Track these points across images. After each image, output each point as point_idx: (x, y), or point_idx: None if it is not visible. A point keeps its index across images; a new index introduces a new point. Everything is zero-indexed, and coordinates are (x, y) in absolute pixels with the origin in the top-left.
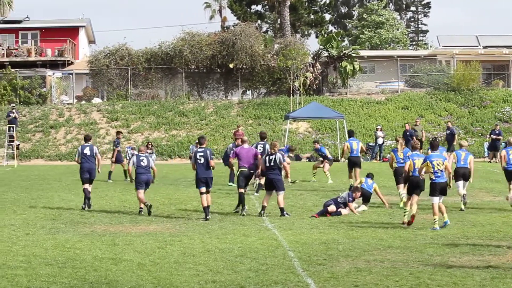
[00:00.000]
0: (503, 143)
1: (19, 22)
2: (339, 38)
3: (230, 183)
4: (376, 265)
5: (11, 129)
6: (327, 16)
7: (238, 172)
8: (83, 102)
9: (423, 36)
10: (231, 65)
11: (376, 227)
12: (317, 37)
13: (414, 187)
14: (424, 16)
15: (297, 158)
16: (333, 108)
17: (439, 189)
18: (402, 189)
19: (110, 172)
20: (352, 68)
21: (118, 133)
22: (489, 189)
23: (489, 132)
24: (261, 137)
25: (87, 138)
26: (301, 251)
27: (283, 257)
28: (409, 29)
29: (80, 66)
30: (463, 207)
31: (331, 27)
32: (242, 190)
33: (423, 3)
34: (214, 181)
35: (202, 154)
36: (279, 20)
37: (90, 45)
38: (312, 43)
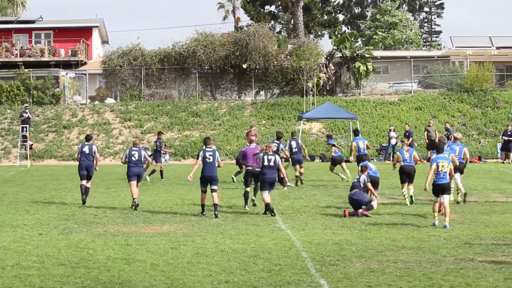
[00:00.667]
0: None
1: (32, 22)
2: (352, 39)
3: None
4: (389, 266)
5: (24, 129)
6: (341, 17)
7: (245, 171)
8: (96, 102)
9: (436, 37)
10: (244, 66)
11: (389, 228)
12: (330, 37)
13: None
14: (438, 16)
15: (311, 158)
16: (346, 109)
17: (441, 189)
18: (406, 188)
19: (153, 171)
20: (365, 69)
21: (159, 133)
22: (502, 190)
23: (501, 133)
24: (278, 136)
25: (88, 138)
26: (314, 252)
27: (296, 257)
28: (422, 30)
29: (94, 66)
30: (459, 199)
31: (344, 28)
32: (248, 189)
33: (436, 3)
34: (228, 181)
35: (211, 153)
36: (292, 20)
37: (104, 45)
38: (326, 44)
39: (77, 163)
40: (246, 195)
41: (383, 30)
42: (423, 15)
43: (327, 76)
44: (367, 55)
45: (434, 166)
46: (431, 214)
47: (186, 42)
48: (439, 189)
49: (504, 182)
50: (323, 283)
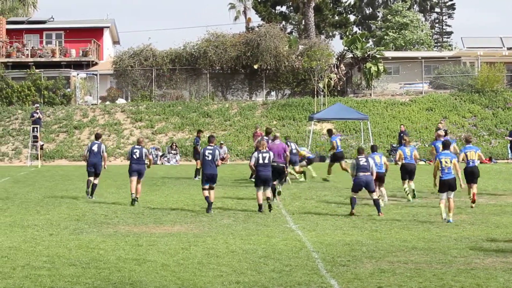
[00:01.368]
0: None
1: (43, 22)
2: (363, 39)
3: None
4: (399, 267)
5: (35, 129)
6: (352, 17)
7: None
8: (107, 102)
9: (447, 38)
10: (255, 66)
11: (400, 229)
12: (341, 38)
13: (471, 176)
14: (449, 17)
15: (321, 159)
16: (357, 109)
17: (447, 185)
18: (407, 184)
19: (196, 170)
20: (376, 69)
21: (199, 131)
22: None
23: (508, 134)
24: (267, 132)
25: (97, 136)
26: (325, 252)
27: (306, 258)
28: (433, 31)
29: (105, 66)
30: (414, 194)
31: (355, 28)
32: (274, 183)
33: (447, 4)
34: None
35: (210, 152)
36: (303, 21)
37: (115, 46)
38: (337, 44)
39: (84, 163)
40: (272, 188)
41: (394, 30)
42: (434, 15)
43: (338, 76)
44: (378, 56)
45: (437, 162)
46: (441, 214)
47: (197, 43)
48: (445, 185)
49: None
50: (333, 283)
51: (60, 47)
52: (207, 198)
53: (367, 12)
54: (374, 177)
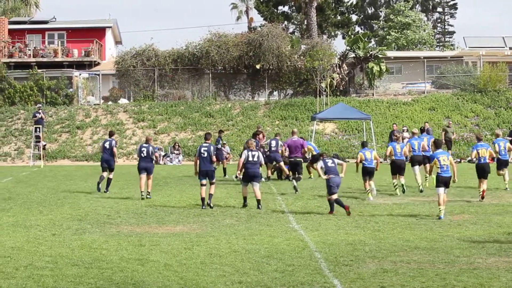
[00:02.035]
0: None
1: (45, 22)
2: (365, 39)
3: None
4: (402, 266)
5: (38, 129)
6: (354, 17)
7: (288, 162)
8: (110, 102)
9: (449, 37)
10: (257, 66)
11: (403, 228)
12: (343, 38)
13: (482, 172)
14: (451, 17)
15: None
16: (359, 109)
17: (443, 182)
18: (396, 180)
19: (224, 169)
20: (378, 69)
21: (220, 132)
22: None
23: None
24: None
25: (110, 134)
26: (327, 252)
27: (309, 258)
28: (435, 30)
29: (107, 66)
30: (421, 188)
31: (357, 28)
32: (293, 176)
33: (449, 4)
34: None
35: (206, 149)
36: (305, 21)
37: (117, 46)
38: (339, 44)
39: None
40: (294, 180)
41: (396, 30)
42: (436, 15)
43: (340, 76)
44: (380, 56)
45: (434, 161)
46: (438, 208)
47: (200, 43)
48: (442, 181)
49: None
50: (336, 283)
51: (62, 47)
52: (203, 200)
53: (369, 12)
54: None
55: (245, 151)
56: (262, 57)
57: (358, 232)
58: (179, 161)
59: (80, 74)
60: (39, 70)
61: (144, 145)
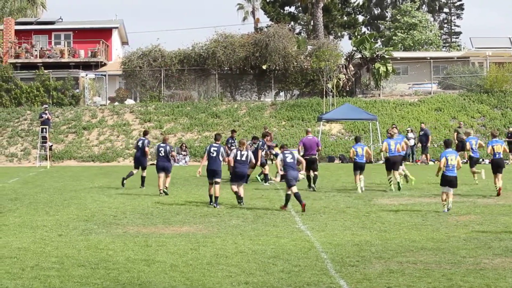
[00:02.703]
0: None
1: (52, 23)
2: (372, 40)
3: (267, 182)
4: (408, 267)
5: (44, 130)
6: (360, 18)
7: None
8: (116, 103)
9: (456, 38)
10: (264, 67)
11: (409, 229)
12: (350, 38)
13: (496, 167)
14: (457, 17)
15: (330, 159)
16: (366, 110)
17: (448, 181)
18: (392, 175)
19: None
20: (385, 70)
21: (233, 131)
22: None
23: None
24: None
25: (145, 133)
26: (333, 253)
27: (315, 258)
28: (442, 31)
29: (113, 67)
30: (399, 186)
31: (364, 29)
32: (306, 173)
33: (456, 4)
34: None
35: (216, 149)
36: (312, 21)
37: (123, 46)
38: (345, 45)
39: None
40: (308, 178)
41: (402, 31)
42: (442, 16)
43: (346, 77)
44: (386, 56)
45: (443, 160)
46: (442, 203)
47: (206, 43)
48: (447, 180)
49: None
50: (342, 284)
51: (68, 47)
52: (211, 196)
53: (376, 12)
54: (304, 166)
55: (234, 150)
56: (269, 58)
57: (365, 232)
58: (185, 162)
59: (86, 75)
60: (45, 71)
61: (162, 144)
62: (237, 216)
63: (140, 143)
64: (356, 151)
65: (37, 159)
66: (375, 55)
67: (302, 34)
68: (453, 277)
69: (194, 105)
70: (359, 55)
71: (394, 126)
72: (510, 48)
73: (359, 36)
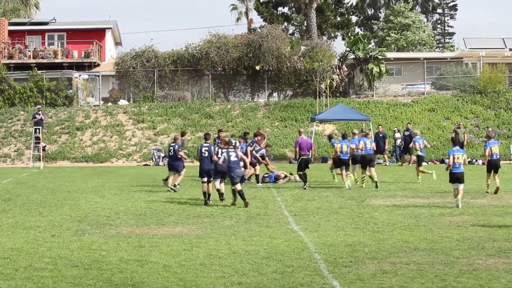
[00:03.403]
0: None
1: (45, 24)
2: (365, 40)
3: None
4: (401, 267)
5: (37, 130)
6: (354, 18)
7: (300, 159)
8: (109, 104)
9: (449, 38)
10: (257, 67)
11: (402, 229)
12: (343, 39)
13: (494, 167)
14: (451, 18)
15: (324, 159)
16: (359, 110)
17: (456, 178)
18: (366, 172)
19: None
20: (378, 70)
21: (219, 131)
22: None
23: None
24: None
25: (175, 139)
26: (327, 253)
27: (309, 259)
28: (435, 31)
29: (107, 68)
30: (362, 185)
31: (357, 29)
32: (301, 172)
33: (449, 5)
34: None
35: (207, 148)
36: (305, 22)
37: (117, 47)
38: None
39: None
40: (302, 176)
41: (396, 31)
42: (436, 16)
43: (340, 77)
44: (380, 57)
45: (451, 157)
46: (454, 200)
47: (199, 44)
48: (454, 177)
49: None
50: (335, 284)
51: (62, 48)
52: (204, 193)
53: (369, 13)
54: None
55: (224, 152)
56: (262, 58)
57: (358, 233)
58: None
59: (80, 75)
60: (39, 71)
61: (172, 144)
62: (230, 217)
63: (171, 150)
64: (341, 148)
65: (30, 159)
66: (368, 56)
67: (295, 34)
68: (446, 278)
69: (187, 106)
70: (353, 56)
71: (380, 125)
72: (504, 48)
73: (352, 37)
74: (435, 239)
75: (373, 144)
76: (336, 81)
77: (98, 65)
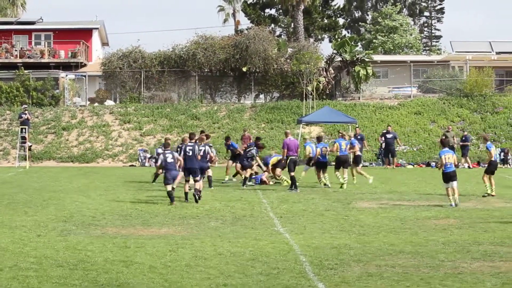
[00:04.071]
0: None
1: (32, 23)
2: (352, 43)
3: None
4: (387, 270)
5: (24, 130)
6: (341, 21)
7: (289, 160)
8: (96, 104)
9: (436, 42)
10: (244, 69)
11: (388, 232)
12: (330, 41)
13: (494, 169)
14: (438, 21)
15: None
16: (345, 113)
17: (449, 177)
18: (339, 173)
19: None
20: (365, 73)
21: (201, 132)
22: (501, 195)
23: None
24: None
25: (190, 137)
26: (312, 256)
27: (294, 261)
28: (422, 34)
29: (93, 68)
30: (332, 185)
31: (344, 32)
32: (292, 174)
33: (436, 8)
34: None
35: (191, 148)
36: (292, 24)
37: (104, 47)
38: (326, 48)
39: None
40: (293, 179)
41: (383, 34)
42: (423, 19)
43: (326, 80)
44: (367, 59)
45: (443, 158)
46: (448, 199)
47: (186, 45)
48: (447, 176)
49: (503, 187)
50: (321, 287)
51: (49, 48)
52: (186, 193)
53: (356, 15)
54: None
55: (210, 148)
56: (249, 60)
57: (343, 235)
58: None
59: (66, 75)
60: (25, 71)
61: (179, 145)
62: (216, 218)
63: (189, 151)
64: (321, 151)
65: (16, 159)
66: (355, 58)
67: (282, 36)
68: (432, 281)
69: (173, 107)
70: (339, 58)
71: (357, 127)
72: (490, 52)
73: (339, 39)
74: (421, 242)
75: (349, 146)
76: (323, 83)
77: (85, 65)
